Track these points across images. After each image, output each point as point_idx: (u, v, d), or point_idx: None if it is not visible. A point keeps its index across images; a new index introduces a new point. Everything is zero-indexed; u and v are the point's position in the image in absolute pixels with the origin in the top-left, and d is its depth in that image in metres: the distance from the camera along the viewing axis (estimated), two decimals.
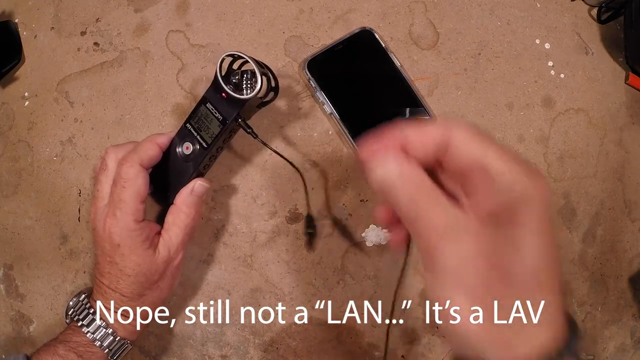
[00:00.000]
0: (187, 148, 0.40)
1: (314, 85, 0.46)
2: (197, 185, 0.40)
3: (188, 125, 0.40)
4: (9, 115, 0.51)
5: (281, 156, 0.42)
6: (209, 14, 0.49)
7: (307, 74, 0.46)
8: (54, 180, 0.49)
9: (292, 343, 0.46)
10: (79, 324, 0.38)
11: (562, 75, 0.48)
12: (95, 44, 0.50)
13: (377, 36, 0.46)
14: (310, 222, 0.45)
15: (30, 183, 0.49)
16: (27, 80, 0.51)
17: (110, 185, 0.38)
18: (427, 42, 0.48)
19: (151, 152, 0.38)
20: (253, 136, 0.40)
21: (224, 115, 0.38)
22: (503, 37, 0.48)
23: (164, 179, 0.41)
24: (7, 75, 0.51)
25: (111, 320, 0.39)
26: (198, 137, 0.39)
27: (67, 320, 0.42)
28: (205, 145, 0.39)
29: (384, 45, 0.46)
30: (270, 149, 0.42)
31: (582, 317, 0.47)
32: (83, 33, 0.51)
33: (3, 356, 0.49)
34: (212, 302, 0.46)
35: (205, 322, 0.46)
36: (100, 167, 0.39)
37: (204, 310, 0.46)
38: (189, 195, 0.40)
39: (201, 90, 0.48)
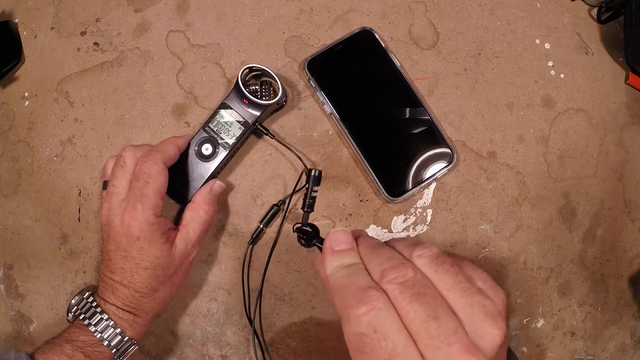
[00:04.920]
0: (206, 149, 0.43)
1: (314, 85, 0.46)
2: (215, 184, 0.43)
3: (207, 128, 0.44)
4: (9, 115, 0.51)
5: (297, 155, 0.44)
6: (209, 14, 0.49)
7: (307, 74, 0.46)
8: (54, 180, 0.49)
9: (292, 343, 0.46)
10: (86, 322, 0.38)
11: (562, 75, 0.48)
12: (95, 44, 0.50)
13: (377, 36, 0.46)
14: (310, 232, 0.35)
15: (30, 183, 0.49)
16: (27, 80, 0.51)
17: (128, 181, 0.39)
18: (427, 42, 0.48)
19: (171, 152, 0.41)
20: (270, 137, 0.45)
21: (246, 118, 0.43)
22: (503, 37, 0.48)
23: (180, 178, 0.43)
24: (7, 75, 0.51)
25: (119, 319, 0.39)
26: (218, 138, 0.43)
27: (70, 318, 0.42)
28: (226, 146, 0.43)
29: (384, 45, 0.46)
30: (287, 147, 0.44)
31: (582, 317, 0.47)
32: (83, 33, 0.51)
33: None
34: (212, 302, 0.46)
35: (205, 322, 0.46)
36: (117, 163, 0.40)
37: (204, 310, 0.46)
38: (208, 194, 0.42)
39: (202, 91, 0.48)
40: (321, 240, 0.30)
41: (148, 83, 0.49)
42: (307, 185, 0.34)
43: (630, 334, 0.48)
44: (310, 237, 0.32)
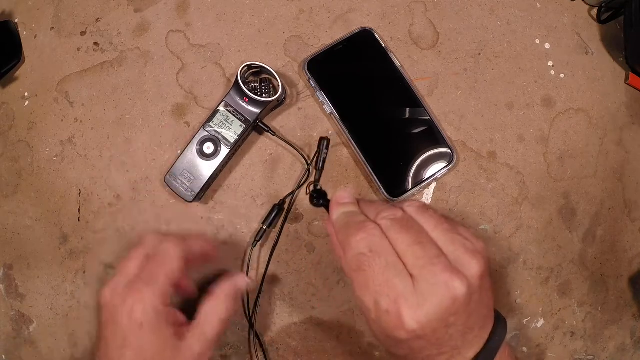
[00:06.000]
0: (208, 148, 0.44)
1: (314, 85, 0.46)
2: (240, 279, 0.38)
3: (208, 127, 0.44)
4: (9, 115, 0.51)
5: (296, 149, 0.45)
6: (209, 14, 0.49)
7: (307, 74, 0.46)
8: (54, 180, 0.49)
9: (292, 343, 0.46)
10: None
11: (562, 75, 0.48)
12: (95, 44, 0.50)
13: (377, 36, 0.46)
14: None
15: (30, 183, 0.49)
16: (27, 80, 0.51)
17: (140, 263, 0.35)
18: (427, 42, 0.48)
19: (196, 247, 0.37)
20: (272, 134, 0.45)
21: (247, 116, 0.44)
22: (503, 37, 0.48)
23: (183, 177, 0.44)
24: (7, 75, 0.51)
25: None
26: (220, 137, 0.44)
27: None
28: (228, 144, 0.44)
29: (384, 45, 0.46)
30: (289, 143, 0.45)
31: (582, 317, 0.47)
32: (83, 33, 0.51)
33: (3, 357, 0.49)
34: None
35: None
36: (138, 244, 0.37)
37: None
38: (234, 287, 0.37)
39: (202, 91, 0.48)
40: (328, 202, 0.37)
41: (148, 83, 0.49)
42: (319, 150, 0.44)
43: (630, 334, 0.48)
44: (322, 196, 0.38)
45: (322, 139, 0.44)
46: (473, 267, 0.29)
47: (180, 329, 0.34)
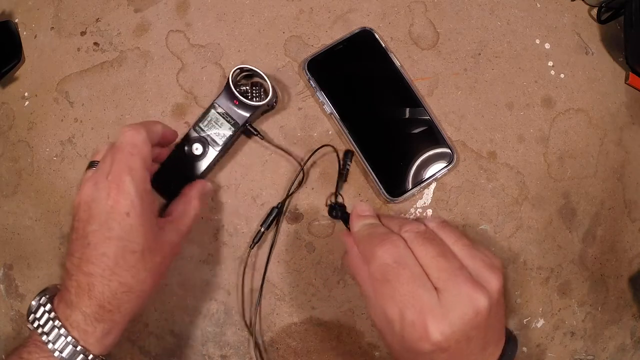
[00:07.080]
0: (196, 149, 0.43)
1: (314, 85, 0.46)
2: (208, 185, 0.43)
3: (197, 128, 0.44)
4: (9, 115, 0.51)
5: (287, 152, 0.45)
6: (209, 14, 0.49)
7: (307, 74, 0.46)
8: (54, 180, 0.49)
9: (292, 343, 0.46)
10: (45, 340, 0.32)
11: (562, 75, 0.48)
12: (95, 44, 0.50)
13: (377, 36, 0.46)
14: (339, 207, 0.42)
15: (30, 183, 0.49)
16: (27, 80, 0.51)
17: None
18: (427, 42, 0.48)
19: (156, 128, 0.38)
20: (260, 137, 0.45)
21: (236, 119, 0.43)
22: (503, 37, 0.48)
23: (170, 176, 0.43)
24: (7, 75, 0.51)
25: (85, 334, 0.33)
26: (208, 139, 0.43)
27: (30, 326, 0.34)
28: (216, 146, 0.43)
29: (384, 45, 0.46)
30: (277, 147, 0.45)
31: (582, 317, 0.47)
32: (83, 33, 0.51)
33: (3, 356, 0.49)
34: (212, 302, 0.46)
35: (205, 322, 0.46)
36: (108, 145, 0.37)
37: (204, 310, 0.46)
38: (202, 190, 0.41)
39: (202, 91, 0.48)
40: (347, 216, 0.37)
41: (148, 83, 0.49)
42: (344, 162, 0.44)
43: (630, 334, 0.48)
44: (342, 209, 0.39)
45: (347, 151, 0.44)
46: (493, 281, 0.30)
47: (159, 220, 0.37)
